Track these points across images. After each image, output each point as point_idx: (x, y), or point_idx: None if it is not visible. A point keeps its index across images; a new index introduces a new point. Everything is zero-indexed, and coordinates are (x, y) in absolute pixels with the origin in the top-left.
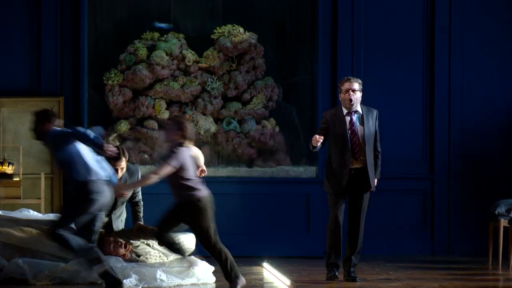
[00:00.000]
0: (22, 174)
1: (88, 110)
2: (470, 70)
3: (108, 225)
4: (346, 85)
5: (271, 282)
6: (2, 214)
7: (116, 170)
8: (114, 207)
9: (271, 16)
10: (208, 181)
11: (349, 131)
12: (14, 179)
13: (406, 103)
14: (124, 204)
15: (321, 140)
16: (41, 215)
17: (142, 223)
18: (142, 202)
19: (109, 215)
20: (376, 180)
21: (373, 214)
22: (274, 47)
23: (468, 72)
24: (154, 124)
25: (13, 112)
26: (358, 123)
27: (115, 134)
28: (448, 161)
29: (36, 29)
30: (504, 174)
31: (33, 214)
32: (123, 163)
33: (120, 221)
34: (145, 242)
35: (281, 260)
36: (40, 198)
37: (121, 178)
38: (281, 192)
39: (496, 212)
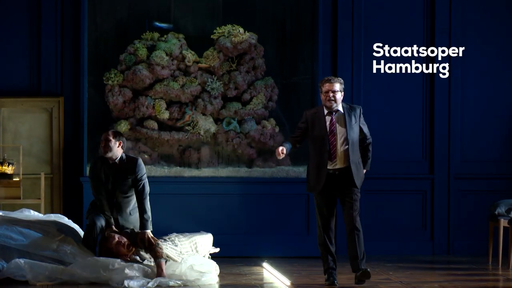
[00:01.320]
0: (22, 174)
1: (88, 110)
2: (470, 70)
3: (115, 220)
4: (326, 86)
5: (271, 282)
6: (3, 214)
7: (102, 142)
8: (112, 196)
9: (271, 16)
10: (208, 181)
11: (328, 132)
12: (14, 179)
13: (406, 103)
14: (131, 198)
15: (284, 154)
16: (42, 215)
17: (149, 230)
18: (147, 200)
19: (110, 206)
20: (365, 170)
21: (373, 214)
22: (274, 47)
23: (468, 72)
24: (154, 124)
25: (13, 112)
26: (338, 124)
27: None
28: (448, 161)
29: (36, 29)
30: (504, 174)
31: (34, 214)
32: (110, 136)
33: (129, 215)
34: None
35: (281, 260)
36: (40, 198)
37: (114, 162)
38: (281, 192)
39: (496, 212)
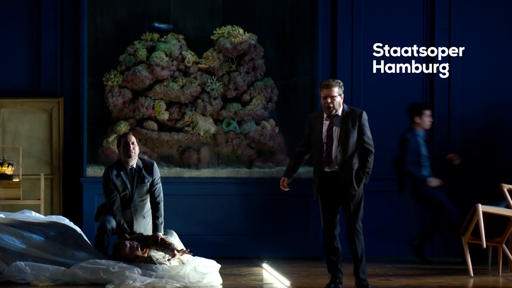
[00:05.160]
0: (22, 175)
1: (88, 110)
2: (470, 70)
3: (129, 222)
4: (324, 92)
5: (271, 283)
6: (4, 216)
7: (128, 146)
8: (130, 200)
9: (271, 17)
10: (207, 182)
11: (325, 137)
12: (14, 180)
13: (406, 104)
14: (146, 201)
15: (287, 186)
16: (43, 216)
17: (161, 233)
18: (162, 203)
19: (127, 209)
20: (363, 181)
21: (372, 215)
22: (274, 47)
23: (468, 73)
24: (154, 125)
25: (13, 112)
26: (336, 128)
27: (115, 135)
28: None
29: (36, 30)
30: (503, 174)
31: (35, 215)
32: (134, 139)
33: (143, 219)
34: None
35: (280, 261)
36: (39, 199)
37: (133, 167)
38: (281, 193)
39: None
